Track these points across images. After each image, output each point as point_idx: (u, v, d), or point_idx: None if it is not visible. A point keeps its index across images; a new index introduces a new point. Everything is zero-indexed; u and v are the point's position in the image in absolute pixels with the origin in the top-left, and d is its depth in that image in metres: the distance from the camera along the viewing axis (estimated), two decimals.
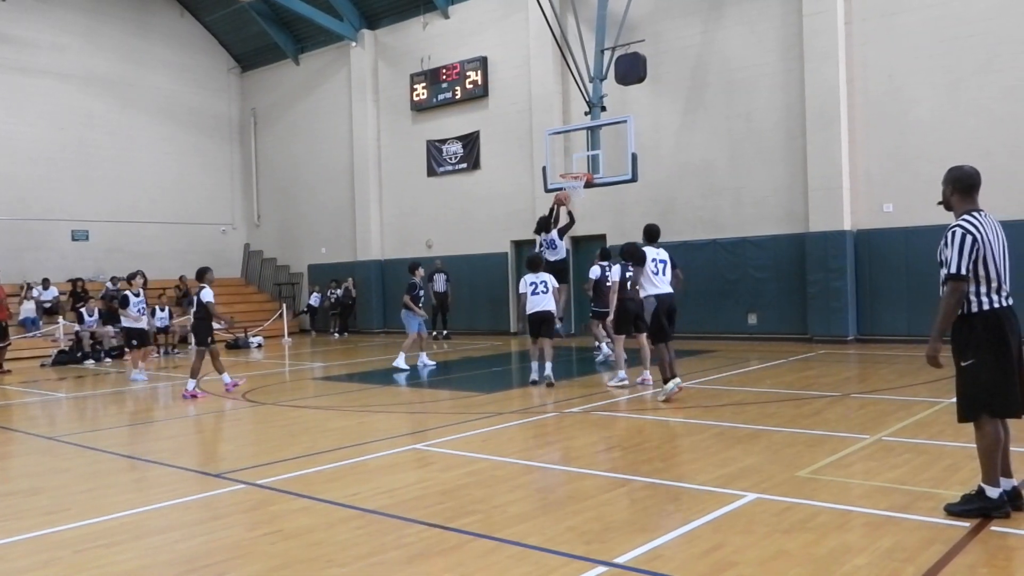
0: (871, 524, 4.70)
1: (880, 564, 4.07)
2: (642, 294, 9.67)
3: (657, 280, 9.55)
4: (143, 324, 13.61)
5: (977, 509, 4.58)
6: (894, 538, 4.43)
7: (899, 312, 15.25)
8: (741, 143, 17.18)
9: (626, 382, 10.75)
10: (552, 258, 14.08)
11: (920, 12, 15.02)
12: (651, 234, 9.86)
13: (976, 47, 14.46)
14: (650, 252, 9.60)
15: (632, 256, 11.38)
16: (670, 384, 9.28)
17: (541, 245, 14.48)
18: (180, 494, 6.08)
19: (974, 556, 4.16)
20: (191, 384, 11.50)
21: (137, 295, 13.45)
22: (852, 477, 5.79)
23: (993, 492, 4.55)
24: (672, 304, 9.62)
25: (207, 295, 11.47)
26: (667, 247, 17.68)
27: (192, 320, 11.84)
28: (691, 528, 4.74)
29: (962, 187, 4.76)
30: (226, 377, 11.85)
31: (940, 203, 4.93)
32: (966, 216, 4.66)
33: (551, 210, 14.73)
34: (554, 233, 14.43)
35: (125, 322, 13.71)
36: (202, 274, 11.78)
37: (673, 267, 9.82)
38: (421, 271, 14.38)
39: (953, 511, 4.65)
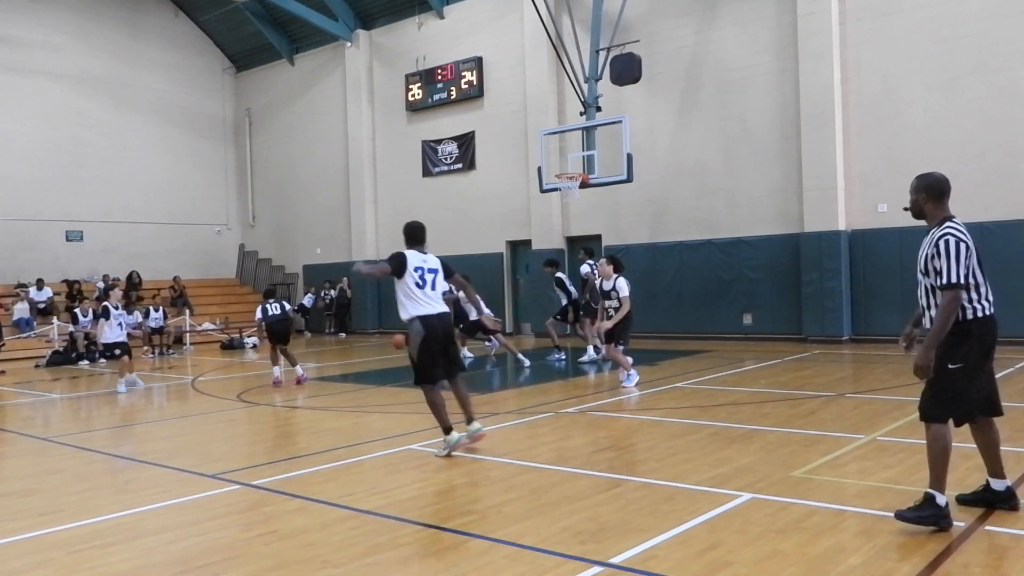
0: (865, 524, 4.72)
1: (874, 564, 4.08)
2: (403, 315, 7.02)
3: (423, 296, 6.96)
4: (123, 337, 13.15)
5: (930, 516, 4.46)
6: (888, 538, 4.44)
7: (893, 312, 15.28)
8: (736, 143, 17.21)
9: (637, 378, 10.78)
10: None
11: (914, 13, 15.06)
12: (414, 235, 7.35)
13: (970, 48, 14.51)
14: (414, 258, 7.04)
15: (617, 264, 11.31)
16: (454, 435, 7.00)
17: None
18: (175, 495, 6.07)
19: (968, 556, 4.18)
20: (300, 370, 12.68)
21: (116, 308, 13.20)
22: (846, 477, 5.80)
23: (942, 499, 4.49)
24: (448, 329, 7.22)
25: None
26: (663, 247, 18.16)
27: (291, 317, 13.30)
28: (686, 528, 4.75)
29: (935, 194, 4.70)
30: (298, 369, 12.71)
31: (907, 209, 4.87)
32: (951, 224, 4.60)
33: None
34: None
35: (105, 337, 13.06)
36: None
37: (448, 275, 7.33)
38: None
39: (906, 518, 4.51)
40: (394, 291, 7.16)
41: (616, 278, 10.90)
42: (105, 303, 13.42)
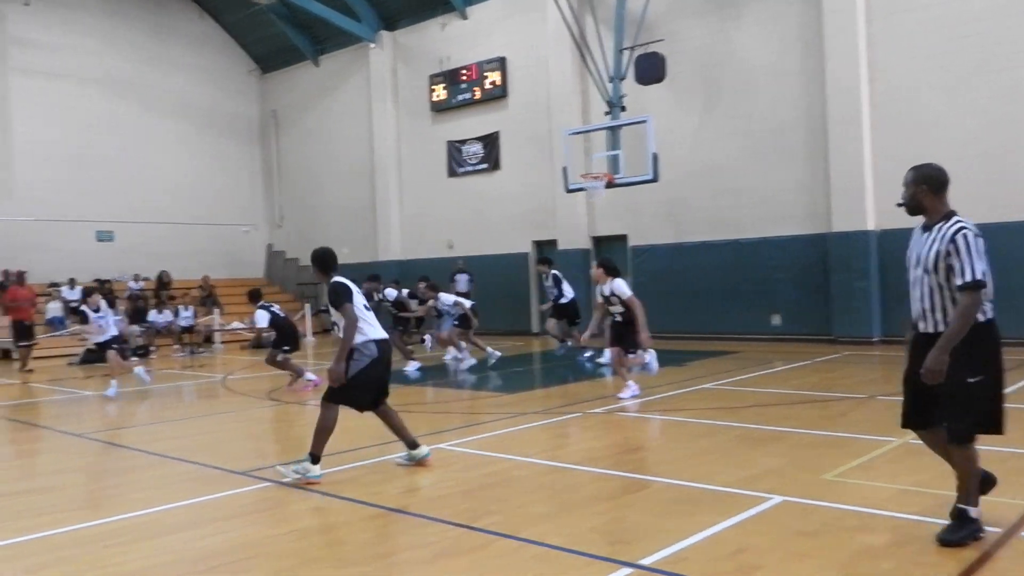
0: (898, 528, 4.64)
1: (907, 569, 4.01)
2: (358, 339, 6.36)
3: (372, 319, 6.59)
4: (107, 336, 12.91)
5: (970, 534, 4.32)
6: (922, 543, 4.35)
7: None
8: (760, 142, 17.03)
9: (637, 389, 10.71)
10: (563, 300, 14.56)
11: (942, 7, 14.71)
12: (333, 262, 6.79)
13: (995, 43, 14.22)
14: (350, 283, 6.61)
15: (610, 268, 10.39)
16: (317, 469, 6.30)
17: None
18: (202, 492, 6.11)
19: (1003, 563, 4.09)
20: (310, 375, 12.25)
21: (97, 310, 12.98)
22: (878, 480, 5.71)
23: (975, 512, 4.36)
24: (391, 355, 6.76)
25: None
26: (684, 248, 18.01)
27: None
28: (715, 530, 4.70)
29: (937, 185, 4.41)
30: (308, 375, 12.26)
31: (901, 205, 4.53)
32: (959, 218, 4.34)
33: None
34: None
35: (94, 339, 13.02)
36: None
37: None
38: None
39: (951, 542, 4.31)
40: None
41: (612, 281, 10.17)
42: (83, 307, 13.19)
